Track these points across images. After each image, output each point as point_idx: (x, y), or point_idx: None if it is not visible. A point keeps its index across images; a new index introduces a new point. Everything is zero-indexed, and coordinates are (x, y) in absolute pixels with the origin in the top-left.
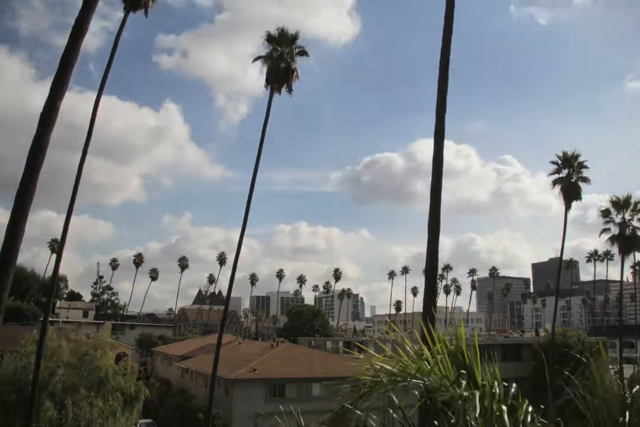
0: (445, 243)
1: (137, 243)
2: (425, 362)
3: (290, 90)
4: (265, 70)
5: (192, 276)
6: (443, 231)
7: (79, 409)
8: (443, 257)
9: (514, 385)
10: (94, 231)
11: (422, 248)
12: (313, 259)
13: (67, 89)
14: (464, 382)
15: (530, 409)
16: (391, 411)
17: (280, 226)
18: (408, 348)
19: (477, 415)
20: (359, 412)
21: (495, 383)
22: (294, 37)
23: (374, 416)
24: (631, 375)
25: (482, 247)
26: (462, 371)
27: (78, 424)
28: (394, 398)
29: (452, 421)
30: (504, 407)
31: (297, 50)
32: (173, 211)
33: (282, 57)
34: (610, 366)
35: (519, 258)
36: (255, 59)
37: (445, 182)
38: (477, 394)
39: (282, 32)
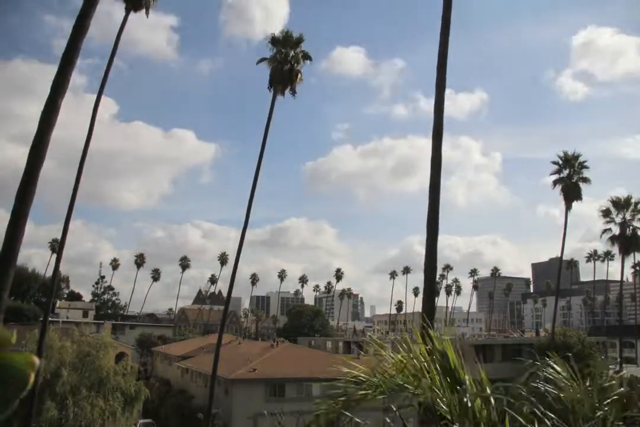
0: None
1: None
2: (410, 371)
3: (294, 92)
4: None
5: (171, 274)
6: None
7: (79, 409)
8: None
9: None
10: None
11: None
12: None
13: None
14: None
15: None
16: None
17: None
18: (393, 358)
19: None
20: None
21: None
22: (299, 40)
23: (367, 422)
24: (630, 377)
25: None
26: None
27: (79, 424)
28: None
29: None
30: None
31: (301, 53)
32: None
33: (286, 59)
34: (610, 366)
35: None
36: (260, 61)
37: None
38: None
39: (287, 35)
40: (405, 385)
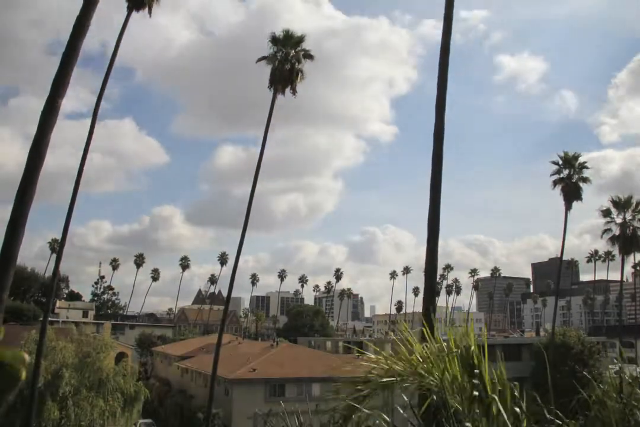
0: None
1: None
2: (434, 363)
3: (294, 91)
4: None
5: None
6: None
7: (80, 409)
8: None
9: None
10: None
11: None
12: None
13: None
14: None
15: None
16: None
17: None
18: (414, 348)
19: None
20: (365, 411)
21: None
22: (300, 40)
23: (383, 416)
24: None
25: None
26: (474, 371)
27: (79, 424)
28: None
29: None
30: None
31: (302, 52)
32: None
33: (286, 58)
34: (610, 366)
35: None
36: (259, 60)
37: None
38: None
39: (287, 34)
40: (424, 373)
